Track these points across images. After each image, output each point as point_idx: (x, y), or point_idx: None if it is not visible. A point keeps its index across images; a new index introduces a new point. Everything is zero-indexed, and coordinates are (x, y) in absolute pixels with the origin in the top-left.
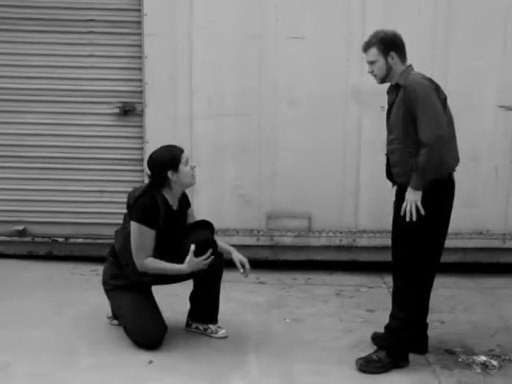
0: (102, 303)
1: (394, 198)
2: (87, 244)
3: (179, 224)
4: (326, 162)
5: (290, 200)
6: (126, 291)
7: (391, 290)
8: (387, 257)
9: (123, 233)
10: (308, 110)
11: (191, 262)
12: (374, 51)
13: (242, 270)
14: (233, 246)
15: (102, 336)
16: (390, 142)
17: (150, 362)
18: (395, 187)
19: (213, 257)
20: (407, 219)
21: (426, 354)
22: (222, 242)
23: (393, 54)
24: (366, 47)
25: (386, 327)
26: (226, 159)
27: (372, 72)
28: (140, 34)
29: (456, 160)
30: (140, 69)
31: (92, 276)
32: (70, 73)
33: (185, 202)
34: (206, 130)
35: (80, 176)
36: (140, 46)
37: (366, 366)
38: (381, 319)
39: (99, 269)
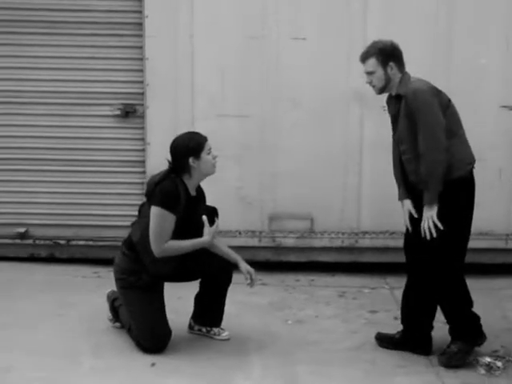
0: (104, 305)
1: (395, 199)
2: (89, 246)
3: (197, 212)
4: (327, 163)
5: (291, 201)
6: (142, 292)
7: (394, 291)
8: (390, 257)
9: (141, 224)
10: (310, 112)
11: (211, 232)
12: (372, 62)
13: (248, 281)
14: (235, 247)
15: (104, 338)
16: (403, 153)
17: (153, 364)
18: (406, 201)
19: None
20: (427, 237)
21: (429, 355)
22: (230, 250)
23: (392, 64)
24: (365, 57)
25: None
26: (228, 161)
27: (370, 82)
28: (141, 36)
29: (471, 155)
30: (141, 70)
31: (94, 278)
32: (71, 75)
33: (201, 193)
34: (208, 132)
35: (81, 178)
36: (141, 47)
37: (450, 361)
38: (384, 320)
39: (101, 271)
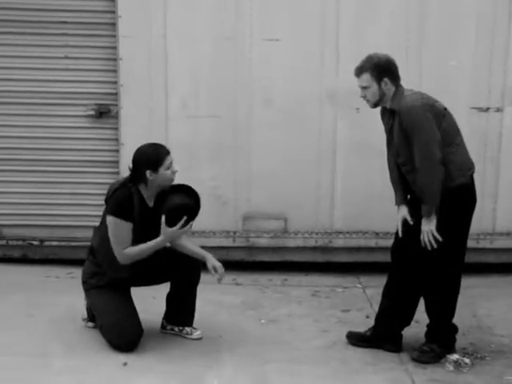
0: (77, 306)
1: (368, 199)
2: (62, 247)
3: (155, 222)
4: (301, 163)
5: (265, 201)
6: (105, 291)
7: (366, 290)
8: (363, 257)
9: (100, 230)
10: (283, 112)
11: (166, 233)
12: (366, 77)
13: (215, 277)
14: (209, 247)
15: (76, 338)
16: (402, 164)
17: (125, 363)
18: (402, 207)
19: (191, 223)
20: (429, 249)
21: (400, 352)
22: (197, 247)
23: (386, 80)
24: (359, 72)
25: (428, 325)
26: (202, 161)
27: (364, 97)
28: (115, 36)
29: (470, 161)
30: (115, 71)
31: (67, 279)
32: (45, 75)
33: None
34: (182, 132)
35: (55, 178)
36: (115, 47)
37: (422, 356)
38: (355, 319)
39: (74, 272)
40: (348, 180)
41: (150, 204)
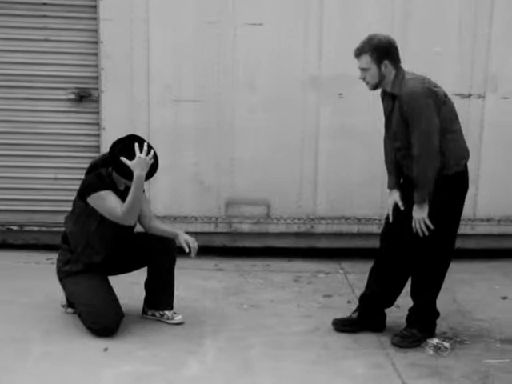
0: (56, 291)
1: (351, 185)
2: (42, 232)
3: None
4: (284, 149)
5: (248, 187)
6: (81, 278)
7: (348, 275)
8: (345, 243)
9: (72, 216)
10: (267, 97)
11: (134, 165)
12: (366, 59)
13: (187, 250)
14: (191, 233)
15: (56, 324)
16: (398, 149)
17: (106, 349)
18: (394, 192)
19: (150, 149)
20: (420, 235)
21: (382, 331)
22: (169, 227)
23: (386, 62)
24: (358, 54)
25: (410, 309)
26: (185, 146)
27: (364, 78)
28: (96, 19)
29: (466, 149)
30: (96, 54)
31: (47, 264)
32: (24, 57)
33: None
34: (164, 117)
35: (35, 163)
36: (96, 30)
37: (402, 342)
38: (337, 304)
39: (54, 257)
40: (331, 166)
41: (121, 187)
